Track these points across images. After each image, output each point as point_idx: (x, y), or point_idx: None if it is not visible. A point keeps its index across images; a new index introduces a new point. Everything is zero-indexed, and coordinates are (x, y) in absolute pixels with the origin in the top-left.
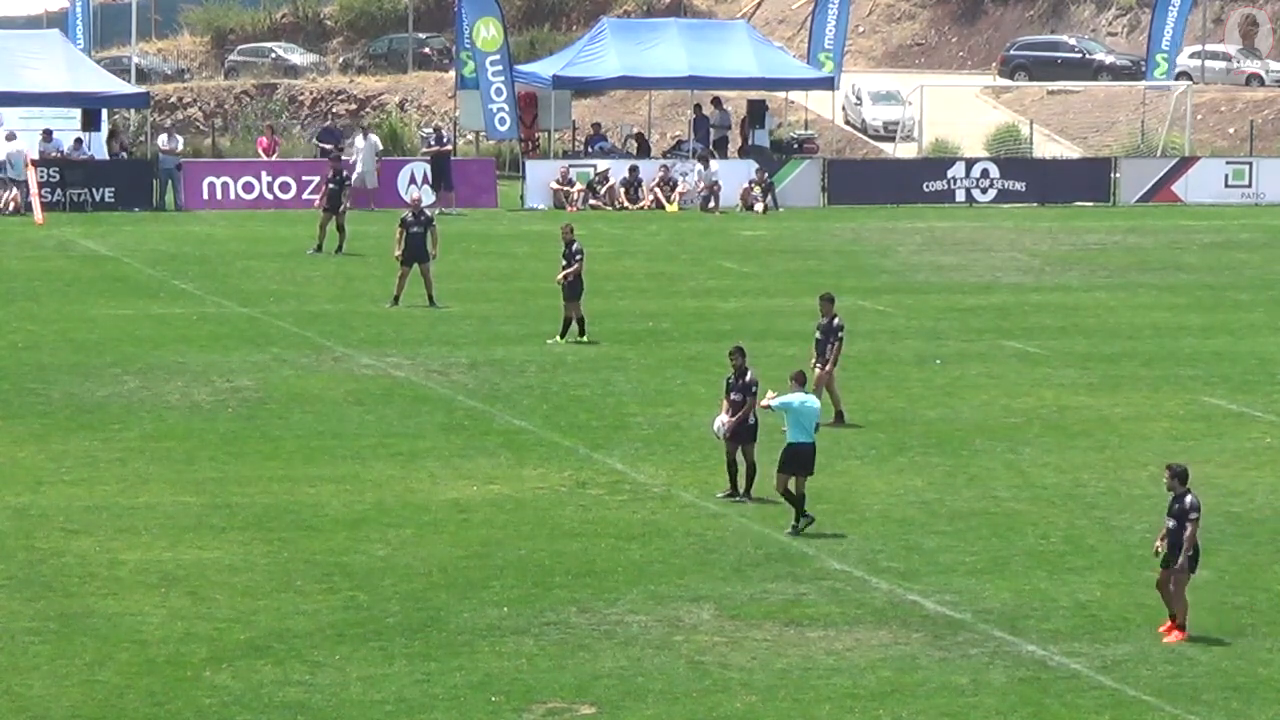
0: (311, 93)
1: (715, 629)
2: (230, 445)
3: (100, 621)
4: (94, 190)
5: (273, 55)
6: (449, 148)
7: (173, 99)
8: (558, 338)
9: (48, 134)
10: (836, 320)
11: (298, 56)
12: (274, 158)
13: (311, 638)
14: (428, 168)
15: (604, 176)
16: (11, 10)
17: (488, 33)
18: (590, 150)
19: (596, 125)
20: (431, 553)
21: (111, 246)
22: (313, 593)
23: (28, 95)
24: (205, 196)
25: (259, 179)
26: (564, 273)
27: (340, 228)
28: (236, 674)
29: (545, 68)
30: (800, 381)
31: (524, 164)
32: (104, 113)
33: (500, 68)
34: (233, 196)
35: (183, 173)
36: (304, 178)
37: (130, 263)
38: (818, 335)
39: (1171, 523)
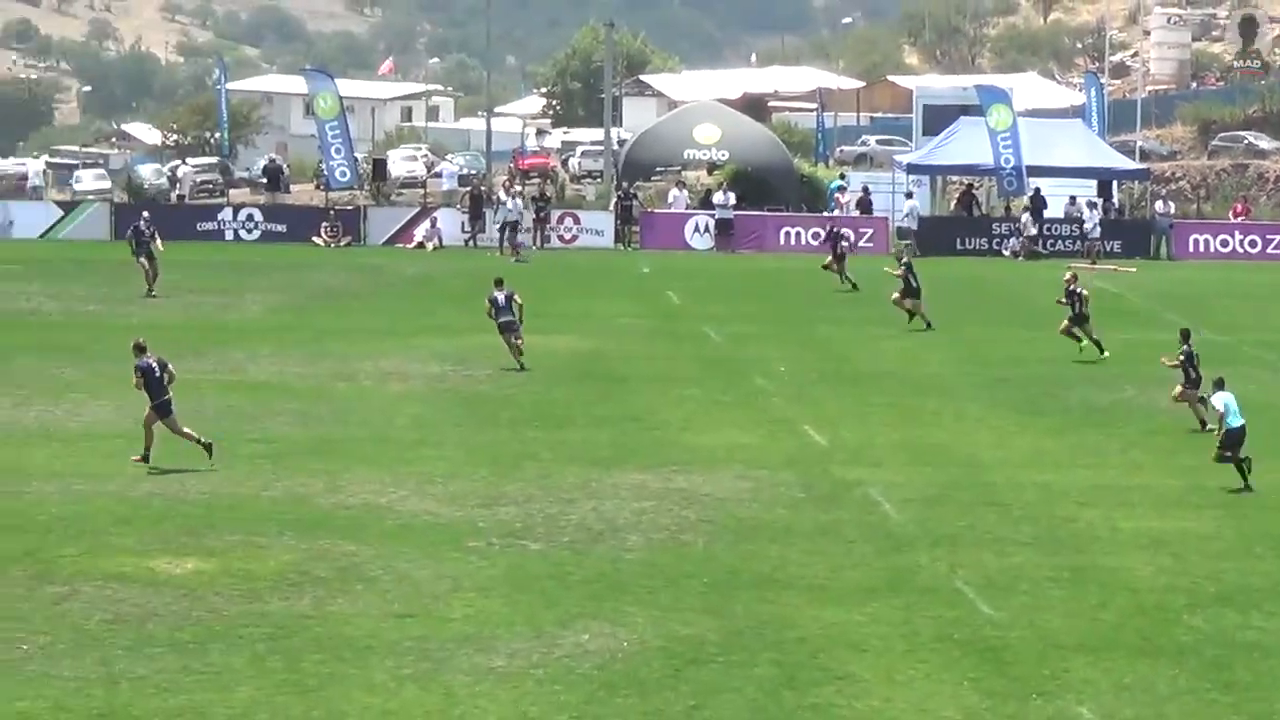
0: (1275, 171)
1: None
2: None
3: (1102, 573)
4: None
5: (1245, 142)
6: None
7: (1166, 173)
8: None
9: (1072, 200)
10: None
11: (1265, 142)
12: (1241, 220)
13: (1265, 593)
14: None
15: None
16: (1041, 103)
17: None
18: None
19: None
20: None
21: (1118, 285)
22: (1268, 557)
23: (1054, 169)
24: (1190, 249)
25: (1232, 236)
26: None
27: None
28: (1207, 619)
29: None
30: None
31: None
32: (1114, 182)
33: None
34: (1212, 250)
35: (1174, 230)
36: (1267, 235)
37: (1133, 299)
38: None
39: None
